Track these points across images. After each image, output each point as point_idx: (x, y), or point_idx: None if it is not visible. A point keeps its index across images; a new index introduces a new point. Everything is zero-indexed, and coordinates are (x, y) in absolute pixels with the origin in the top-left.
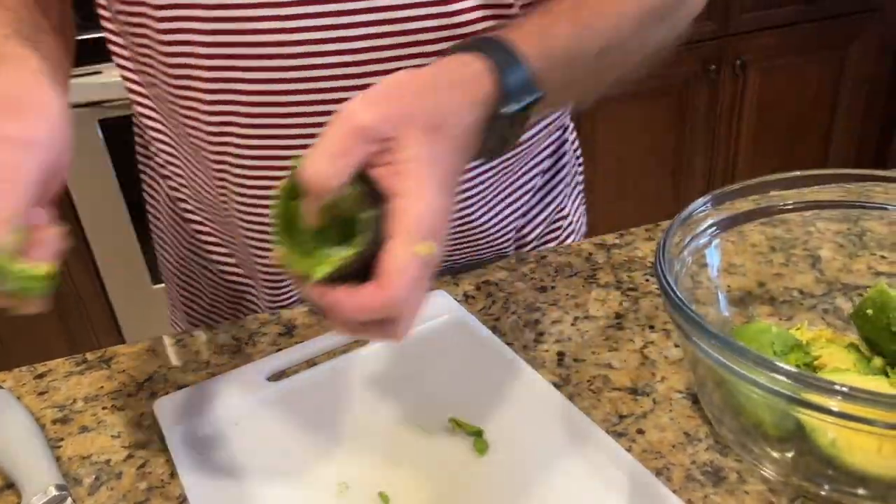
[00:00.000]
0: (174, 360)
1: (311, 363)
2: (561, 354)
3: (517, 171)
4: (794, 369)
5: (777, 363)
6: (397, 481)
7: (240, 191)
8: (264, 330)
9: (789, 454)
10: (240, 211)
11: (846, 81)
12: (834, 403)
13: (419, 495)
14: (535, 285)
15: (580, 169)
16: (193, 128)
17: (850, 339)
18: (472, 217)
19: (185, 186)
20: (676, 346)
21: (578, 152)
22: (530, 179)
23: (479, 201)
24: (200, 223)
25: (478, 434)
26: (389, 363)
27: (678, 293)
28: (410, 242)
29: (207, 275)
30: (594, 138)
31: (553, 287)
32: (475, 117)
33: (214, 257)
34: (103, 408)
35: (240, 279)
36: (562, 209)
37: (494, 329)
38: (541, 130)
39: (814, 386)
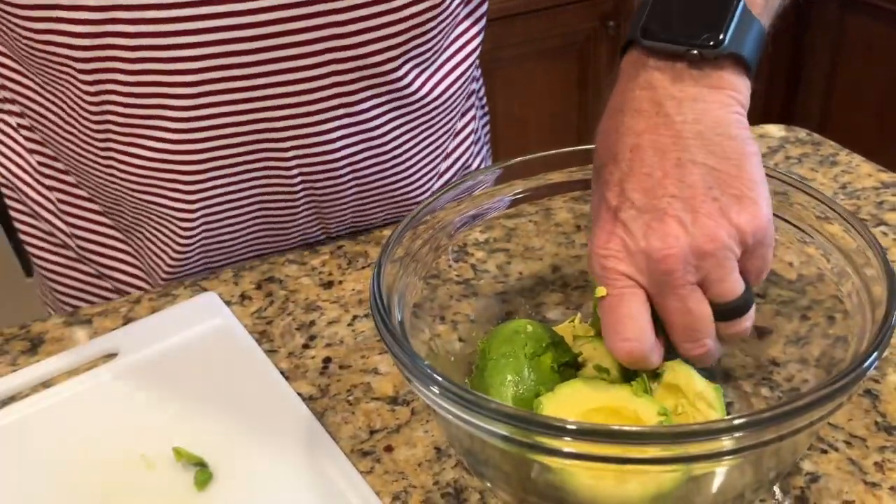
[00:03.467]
0: None
1: (47, 384)
2: (327, 361)
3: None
4: (501, 409)
5: (481, 403)
6: None
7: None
8: (6, 348)
9: (521, 479)
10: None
11: None
12: (563, 445)
13: None
14: (321, 280)
15: (486, 121)
16: (67, 81)
17: None
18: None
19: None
20: (461, 339)
21: (486, 108)
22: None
23: (408, 159)
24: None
25: (200, 465)
26: (131, 382)
27: (392, 330)
28: None
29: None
30: (494, 101)
31: (340, 282)
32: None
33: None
34: None
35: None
36: (468, 168)
37: (263, 334)
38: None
39: (533, 429)
